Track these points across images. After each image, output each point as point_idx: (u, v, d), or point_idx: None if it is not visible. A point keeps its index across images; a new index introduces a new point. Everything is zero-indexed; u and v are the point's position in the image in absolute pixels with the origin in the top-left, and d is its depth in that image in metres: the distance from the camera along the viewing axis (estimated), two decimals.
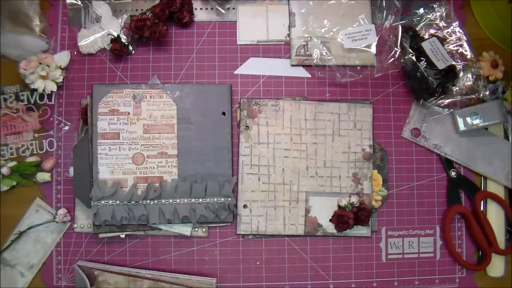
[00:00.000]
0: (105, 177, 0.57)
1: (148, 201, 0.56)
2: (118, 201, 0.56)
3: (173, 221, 0.56)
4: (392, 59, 0.60)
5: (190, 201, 0.56)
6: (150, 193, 0.56)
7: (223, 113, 0.59)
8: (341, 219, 0.58)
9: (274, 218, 0.59)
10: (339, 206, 0.59)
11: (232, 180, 0.57)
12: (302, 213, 0.59)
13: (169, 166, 0.57)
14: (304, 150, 0.60)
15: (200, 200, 0.57)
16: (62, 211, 0.58)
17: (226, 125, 0.58)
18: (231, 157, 0.58)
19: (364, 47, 0.60)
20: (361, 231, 0.59)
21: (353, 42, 0.60)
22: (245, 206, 0.59)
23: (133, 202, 0.56)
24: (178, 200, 0.56)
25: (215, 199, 0.57)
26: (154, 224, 0.56)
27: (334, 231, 0.59)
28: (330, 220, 0.59)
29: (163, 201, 0.56)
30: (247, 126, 0.59)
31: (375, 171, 0.60)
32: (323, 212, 0.59)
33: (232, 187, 0.57)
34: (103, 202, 0.55)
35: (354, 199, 0.58)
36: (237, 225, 0.59)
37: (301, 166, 0.59)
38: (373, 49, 0.60)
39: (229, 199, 0.57)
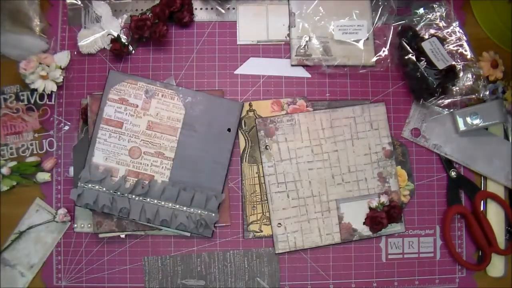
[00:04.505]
0: (98, 161, 0.56)
1: (133, 196, 0.56)
2: (104, 188, 0.56)
3: (152, 222, 0.56)
4: (391, 58, 0.60)
5: (174, 206, 0.56)
6: (137, 189, 0.56)
7: (229, 130, 0.58)
8: (375, 220, 0.58)
9: (309, 231, 0.59)
10: (370, 208, 0.59)
11: (220, 197, 0.57)
12: (336, 221, 0.59)
13: (163, 167, 0.57)
14: (327, 159, 0.60)
15: (184, 208, 0.56)
16: (62, 211, 0.58)
17: (229, 142, 0.58)
18: (225, 174, 0.58)
19: (353, 41, 0.61)
20: (395, 228, 0.60)
21: (344, 34, 0.61)
22: (279, 225, 0.58)
23: (118, 193, 0.56)
24: (162, 203, 0.56)
25: (199, 211, 0.56)
26: (133, 220, 0.56)
27: (370, 233, 0.59)
28: (364, 223, 0.59)
29: (148, 199, 0.56)
30: (266, 146, 0.59)
31: (399, 167, 0.61)
32: (356, 216, 0.59)
33: (219, 203, 0.57)
34: (89, 185, 0.55)
35: (384, 199, 0.59)
36: (274, 244, 0.58)
37: (326, 175, 0.59)
38: (361, 45, 0.61)
39: (213, 214, 0.57)
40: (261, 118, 0.60)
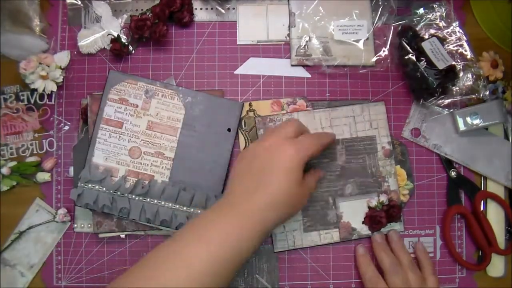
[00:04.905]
0: (98, 161, 0.56)
1: (133, 196, 0.56)
2: (104, 188, 0.56)
3: (152, 222, 0.56)
4: (391, 58, 0.60)
5: (174, 206, 0.56)
6: (137, 189, 0.56)
7: (229, 130, 0.58)
8: (374, 219, 0.58)
9: (309, 230, 0.59)
10: (370, 207, 0.59)
11: (220, 196, 0.56)
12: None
13: (163, 167, 0.57)
14: None
15: (184, 208, 0.56)
16: (62, 211, 0.58)
17: (228, 142, 0.58)
18: (225, 174, 0.58)
19: (353, 41, 0.61)
20: (394, 227, 0.60)
21: (344, 34, 0.61)
22: None
23: (118, 193, 0.56)
24: (162, 203, 0.56)
25: (199, 211, 0.56)
26: (133, 220, 0.56)
27: (369, 232, 0.59)
28: (363, 222, 0.59)
29: (148, 199, 0.56)
30: None
31: (398, 166, 0.61)
32: (355, 215, 0.59)
33: None
34: (89, 185, 0.55)
35: (383, 198, 0.59)
36: (273, 243, 0.58)
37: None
38: (361, 45, 0.61)
39: None
40: (260, 116, 0.60)
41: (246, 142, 0.60)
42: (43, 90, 0.58)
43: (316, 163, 0.59)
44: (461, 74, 0.60)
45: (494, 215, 0.61)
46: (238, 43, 0.62)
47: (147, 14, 0.60)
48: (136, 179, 0.56)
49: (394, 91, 0.62)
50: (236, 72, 0.62)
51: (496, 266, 0.61)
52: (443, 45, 0.59)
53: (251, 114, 0.60)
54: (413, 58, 0.59)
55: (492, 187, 0.62)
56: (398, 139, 0.61)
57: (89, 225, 0.58)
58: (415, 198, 0.61)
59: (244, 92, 0.61)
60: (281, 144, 0.48)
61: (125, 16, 0.61)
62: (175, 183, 0.57)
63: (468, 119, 0.61)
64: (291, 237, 0.58)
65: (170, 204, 0.56)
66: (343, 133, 0.60)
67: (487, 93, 0.60)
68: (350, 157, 0.60)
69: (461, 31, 0.61)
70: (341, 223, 0.59)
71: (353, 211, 0.59)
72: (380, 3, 0.61)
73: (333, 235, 0.59)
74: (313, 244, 0.59)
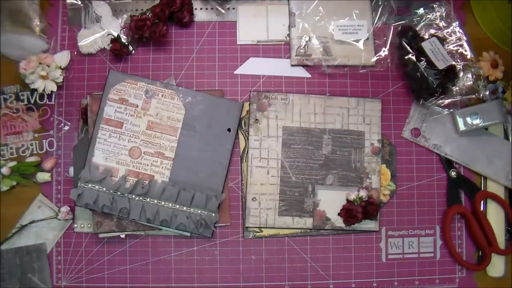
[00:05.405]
0: (98, 161, 0.56)
1: (133, 196, 0.56)
2: (104, 188, 0.56)
3: (152, 222, 0.56)
4: (391, 58, 0.60)
5: (174, 206, 0.56)
6: (137, 189, 0.56)
7: (229, 130, 0.58)
8: (350, 213, 0.58)
9: (283, 212, 0.59)
10: (348, 200, 0.59)
11: (220, 196, 0.57)
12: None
13: (163, 167, 0.57)
14: None
15: (184, 208, 0.56)
16: (65, 208, 0.58)
17: (228, 142, 0.58)
18: (225, 174, 0.58)
19: (353, 41, 0.61)
20: (369, 225, 0.60)
21: (344, 34, 0.61)
22: (253, 199, 0.59)
23: (118, 193, 0.56)
24: (162, 203, 0.56)
25: (199, 211, 0.56)
26: (133, 220, 0.56)
27: (343, 225, 0.59)
28: (339, 214, 0.59)
29: (148, 199, 0.56)
30: (256, 119, 0.59)
31: (384, 165, 0.61)
32: (331, 206, 0.59)
33: (219, 203, 0.57)
34: (89, 185, 0.55)
35: (363, 193, 0.59)
36: (245, 218, 0.59)
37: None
38: (361, 45, 0.61)
39: (213, 214, 0.57)
40: (255, 91, 0.60)
41: (246, 142, 0.60)
42: (43, 90, 0.58)
43: (300, 149, 0.59)
44: (461, 74, 0.60)
45: (494, 215, 0.61)
46: (238, 43, 0.62)
47: (147, 14, 0.60)
48: (136, 179, 0.56)
49: (394, 91, 0.62)
50: (236, 72, 0.62)
51: (496, 266, 0.61)
52: (443, 45, 0.59)
53: None
54: (413, 58, 0.59)
55: (492, 187, 0.62)
56: (397, 139, 0.61)
57: (89, 225, 0.58)
58: (415, 198, 0.61)
59: (244, 92, 0.61)
60: None
61: (125, 16, 0.61)
62: (175, 183, 0.57)
63: (468, 119, 0.61)
64: (265, 215, 0.59)
65: (170, 204, 0.56)
66: (335, 122, 0.60)
67: (487, 93, 0.60)
68: (336, 148, 0.60)
69: (461, 31, 0.61)
70: (316, 211, 0.59)
71: (330, 201, 0.59)
72: (380, 3, 0.61)
73: (306, 221, 0.59)
74: (284, 226, 0.59)
